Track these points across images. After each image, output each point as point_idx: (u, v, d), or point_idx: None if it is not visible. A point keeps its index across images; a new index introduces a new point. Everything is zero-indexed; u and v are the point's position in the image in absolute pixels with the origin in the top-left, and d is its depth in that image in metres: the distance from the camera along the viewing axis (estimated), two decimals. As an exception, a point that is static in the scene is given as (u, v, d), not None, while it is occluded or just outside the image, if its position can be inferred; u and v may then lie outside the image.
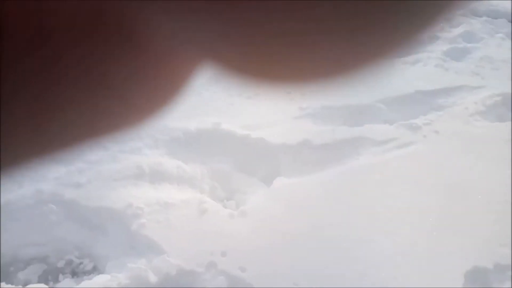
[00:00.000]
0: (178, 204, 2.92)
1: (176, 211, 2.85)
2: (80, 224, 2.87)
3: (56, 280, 2.54)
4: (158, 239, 2.63)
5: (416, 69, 4.43)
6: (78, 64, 0.13)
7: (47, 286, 2.25)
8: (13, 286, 1.41)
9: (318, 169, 3.48)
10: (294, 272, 2.52)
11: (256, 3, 0.10)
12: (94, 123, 0.15)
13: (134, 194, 2.94)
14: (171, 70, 0.14)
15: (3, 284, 1.44)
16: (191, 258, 2.50)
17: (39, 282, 2.38)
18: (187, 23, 0.11)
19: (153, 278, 2.34)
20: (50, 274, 2.59)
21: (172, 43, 0.13)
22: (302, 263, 2.59)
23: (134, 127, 0.16)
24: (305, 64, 0.11)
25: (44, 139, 0.14)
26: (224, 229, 2.75)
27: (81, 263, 2.74)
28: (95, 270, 2.61)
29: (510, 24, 4.83)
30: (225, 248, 2.61)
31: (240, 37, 0.11)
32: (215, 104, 3.85)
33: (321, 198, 3.08)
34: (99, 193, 2.93)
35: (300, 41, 0.10)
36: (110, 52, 0.13)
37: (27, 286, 2.19)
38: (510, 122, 3.61)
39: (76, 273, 2.60)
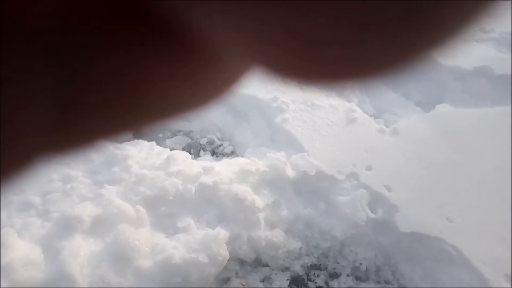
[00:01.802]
0: (326, 108, 2.70)
1: (323, 114, 2.65)
2: (226, 108, 2.86)
3: (198, 154, 2.60)
4: (301, 137, 2.48)
5: None
6: (128, 63, 0.14)
7: (190, 155, 2.29)
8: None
9: (490, 102, 2.91)
10: (446, 205, 2.17)
11: (305, 7, 0.10)
12: (138, 115, 0.15)
13: (280, 89, 2.79)
14: (220, 72, 0.16)
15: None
16: (332, 163, 2.32)
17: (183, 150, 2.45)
18: (237, 26, 0.11)
19: (290, 173, 2.22)
20: (193, 148, 2.66)
21: (222, 46, 0.13)
22: (455, 197, 2.22)
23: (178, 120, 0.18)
24: (358, 62, 0.12)
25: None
26: (372, 143, 2.47)
27: (221, 145, 2.76)
28: (234, 153, 2.60)
29: None
30: (371, 163, 2.35)
31: (289, 40, 0.11)
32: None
33: (484, 134, 2.57)
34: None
35: (345, 41, 0.11)
36: (160, 53, 0.14)
37: (173, 151, 2.25)
38: None
39: (215, 153, 2.63)
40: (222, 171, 2.12)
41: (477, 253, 1.96)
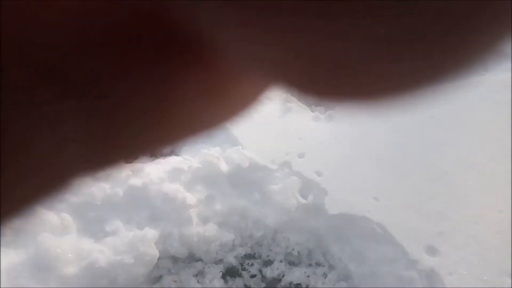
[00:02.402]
0: (262, 100, 2.75)
1: (258, 106, 2.69)
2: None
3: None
4: (236, 131, 2.53)
5: None
6: (148, 79, 0.14)
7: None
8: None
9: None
10: (373, 186, 2.26)
11: (325, 26, 0.10)
12: (155, 133, 0.16)
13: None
14: (240, 89, 0.16)
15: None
16: (266, 154, 2.38)
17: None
18: (258, 43, 0.11)
19: (224, 167, 2.28)
20: (134, 150, 2.68)
21: (242, 63, 0.13)
22: (382, 177, 2.32)
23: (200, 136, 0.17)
24: (376, 79, 0.11)
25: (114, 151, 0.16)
26: (306, 131, 2.54)
27: (162, 145, 2.80)
28: (173, 153, 2.64)
29: None
30: (304, 150, 2.42)
31: (310, 58, 0.11)
32: None
33: (411, 117, 2.66)
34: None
35: (367, 58, 0.11)
36: (180, 70, 0.14)
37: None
38: None
39: (154, 155, 2.66)
40: (152, 171, 2.17)
41: (400, 229, 2.05)
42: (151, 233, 1.87)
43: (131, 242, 1.82)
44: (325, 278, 2.03)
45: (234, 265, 2.06)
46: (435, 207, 2.19)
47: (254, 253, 2.12)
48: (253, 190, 2.26)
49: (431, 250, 1.99)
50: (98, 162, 0.15)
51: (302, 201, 2.18)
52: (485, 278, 1.90)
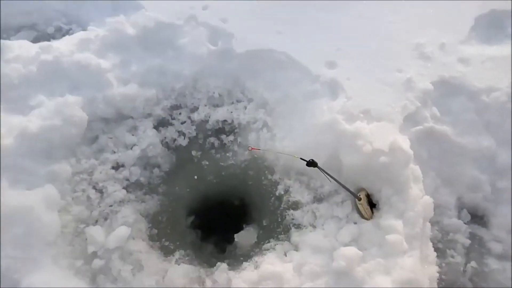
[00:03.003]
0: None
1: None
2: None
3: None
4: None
5: None
6: None
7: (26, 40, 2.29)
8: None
9: None
10: (276, 22, 2.44)
11: None
12: None
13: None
14: None
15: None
16: (170, 12, 2.44)
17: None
18: None
19: (131, 31, 2.33)
20: (42, 40, 2.63)
21: None
22: (284, 12, 2.50)
23: None
24: None
25: None
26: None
27: (70, 29, 2.77)
28: (79, 29, 2.64)
29: None
30: (206, 2, 2.51)
31: None
32: None
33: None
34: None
35: None
36: None
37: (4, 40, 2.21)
38: None
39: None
40: (61, 46, 2.20)
41: (302, 53, 2.28)
42: (73, 98, 1.98)
43: (56, 108, 1.92)
44: (245, 110, 2.27)
45: (163, 116, 2.25)
46: (332, 32, 2.43)
47: (180, 103, 2.30)
48: (165, 48, 2.35)
49: (331, 65, 2.25)
50: None
51: (213, 48, 2.32)
52: (378, 76, 2.21)
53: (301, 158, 1.65)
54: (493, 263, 1.83)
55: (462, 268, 1.82)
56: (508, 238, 1.90)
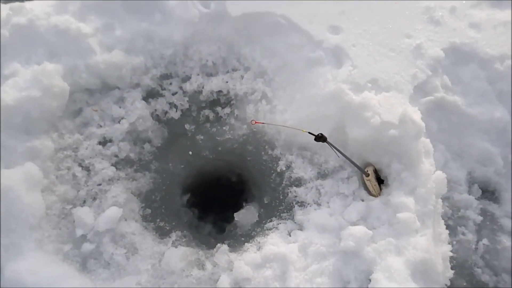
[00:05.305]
0: None
1: None
2: None
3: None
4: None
5: None
6: None
7: None
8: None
9: None
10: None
11: None
12: None
13: None
14: None
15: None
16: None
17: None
18: None
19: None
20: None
21: None
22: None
23: None
24: None
25: None
26: None
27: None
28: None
29: None
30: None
31: None
32: None
33: None
34: None
35: None
36: None
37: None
38: None
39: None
40: (35, 7, 1.96)
41: (303, 16, 2.10)
42: (51, 66, 1.78)
43: (33, 77, 1.73)
44: (242, 79, 2.11)
45: (153, 87, 2.06)
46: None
47: (170, 72, 2.11)
48: (152, 11, 2.13)
49: (334, 29, 2.09)
50: None
51: (205, 10, 2.11)
52: (386, 42, 2.06)
53: (309, 133, 1.51)
54: (505, 240, 1.77)
55: (473, 246, 1.75)
56: (520, 214, 1.84)
